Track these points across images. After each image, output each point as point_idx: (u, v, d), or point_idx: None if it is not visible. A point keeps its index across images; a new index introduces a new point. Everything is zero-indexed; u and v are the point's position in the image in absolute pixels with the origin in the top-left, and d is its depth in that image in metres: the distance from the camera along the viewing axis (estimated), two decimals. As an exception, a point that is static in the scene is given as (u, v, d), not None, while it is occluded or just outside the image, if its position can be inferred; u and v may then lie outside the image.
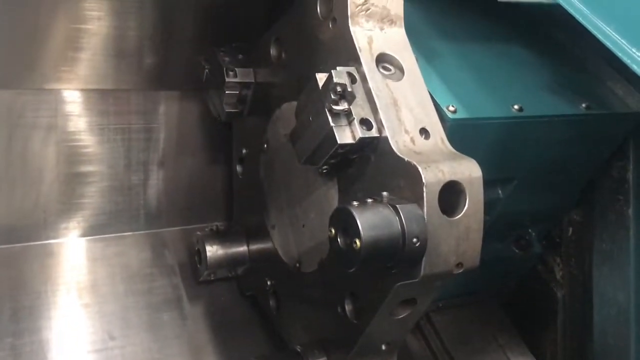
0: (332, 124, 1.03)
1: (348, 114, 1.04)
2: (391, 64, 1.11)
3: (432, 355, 1.57)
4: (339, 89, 1.01)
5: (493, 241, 1.53)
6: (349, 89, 1.02)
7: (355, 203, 0.96)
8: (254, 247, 1.53)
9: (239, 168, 1.60)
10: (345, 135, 1.03)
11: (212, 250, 1.52)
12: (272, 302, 1.47)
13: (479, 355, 1.56)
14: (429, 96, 1.10)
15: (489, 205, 1.39)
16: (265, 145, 1.43)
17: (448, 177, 0.98)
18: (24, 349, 1.41)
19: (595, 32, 1.09)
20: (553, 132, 1.29)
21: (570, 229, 1.60)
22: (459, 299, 1.64)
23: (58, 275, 1.55)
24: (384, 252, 0.94)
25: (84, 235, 1.61)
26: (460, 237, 0.99)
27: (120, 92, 1.62)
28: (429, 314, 1.59)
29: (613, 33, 1.07)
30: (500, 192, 1.40)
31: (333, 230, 0.98)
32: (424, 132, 1.06)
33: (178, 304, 1.60)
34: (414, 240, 0.94)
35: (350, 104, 1.03)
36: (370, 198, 0.99)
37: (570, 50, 1.45)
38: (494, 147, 1.25)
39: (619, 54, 1.06)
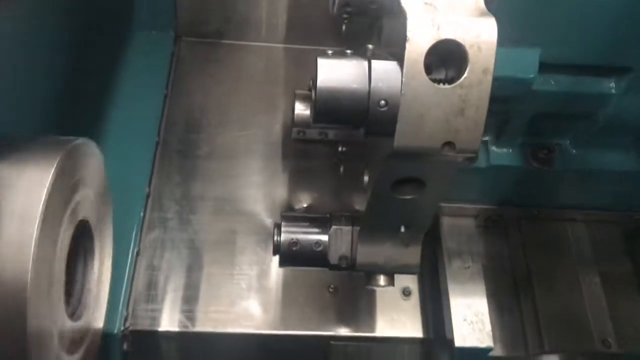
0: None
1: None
2: None
3: (510, 261, 1.39)
4: None
5: (611, 149, 1.25)
6: None
7: (330, 51, 0.84)
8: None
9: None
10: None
11: (301, 109, 1.50)
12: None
13: (555, 281, 1.33)
14: None
15: (596, 101, 1.14)
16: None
17: (444, 35, 0.79)
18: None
19: None
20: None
21: None
22: (567, 211, 1.39)
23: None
24: (345, 111, 0.82)
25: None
26: (452, 112, 0.81)
27: None
28: (520, 221, 1.39)
29: None
30: (613, 85, 1.11)
31: (312, 81, 0.89)
32: (453, -29, 0.86)
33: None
34: (382, 102, 0.80)
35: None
36: (359, 51, 0.86)
37: None
38: (592, 22, 0.97)
39: None
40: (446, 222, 1.37)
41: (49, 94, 1.20)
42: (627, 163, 1.25)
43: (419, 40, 0.79)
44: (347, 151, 1.41)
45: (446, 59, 0.82)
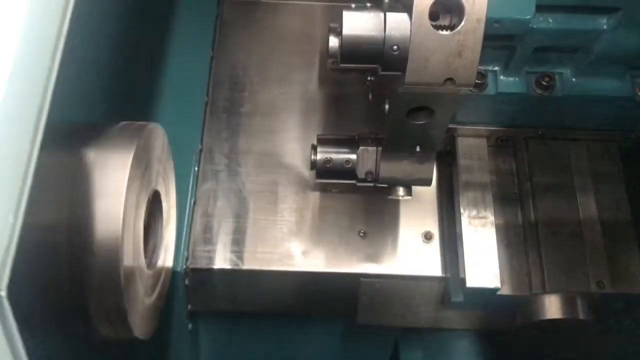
0: None
1: None
2: None
3: (517, 176, 1.58)
4: None
5: (606, 77, 1.41)
6: None
7: (353, 5, 1.04)
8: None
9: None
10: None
11: (335, 42, 1.68)
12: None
13: (555, 191, 1.52)
14: None
15: (590, 36, 1.30)
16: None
17: (445, -9, 0.98)
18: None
19: None
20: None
21: None
22: (570, 131, 1.57)
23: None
24: (365, 54, 1.02)
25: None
26: (452, 54, 1.01)
27: None
28: (527, 139, 1.57)
29: None
30: (604, 22, 1.27)
31: (338, 27, 1.09)
32: None
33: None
34: (394, 47, 1.00)
35: None
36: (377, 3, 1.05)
37: None
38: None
39: None
40: (461, 142, 1.56)
41: (105, 62, 1.26)
42: (621, 89, 1.42)
43: (424, -5, 0.98)
44: (375, 81, 1.60)
45: (449, 9, 1.01)
